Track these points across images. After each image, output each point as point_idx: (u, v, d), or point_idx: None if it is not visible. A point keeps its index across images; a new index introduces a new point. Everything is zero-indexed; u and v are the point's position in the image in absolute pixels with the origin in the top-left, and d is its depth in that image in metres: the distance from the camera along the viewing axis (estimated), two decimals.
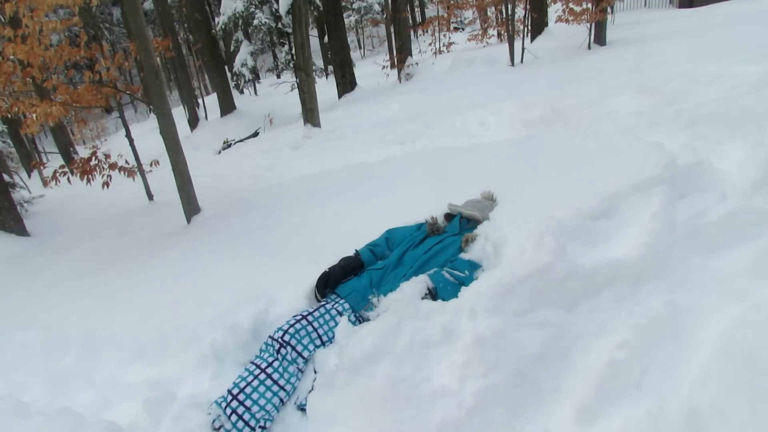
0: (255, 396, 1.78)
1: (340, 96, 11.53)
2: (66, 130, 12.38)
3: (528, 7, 11.18)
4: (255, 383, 1.81)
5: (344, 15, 14.41)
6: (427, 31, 18.79)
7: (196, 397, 1.86)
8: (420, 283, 1.97)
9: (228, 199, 4.83)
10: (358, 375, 1.61)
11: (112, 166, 4.82)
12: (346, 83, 11.58)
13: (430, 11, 22.88)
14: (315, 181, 4.44)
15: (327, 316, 2.05)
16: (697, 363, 1.58)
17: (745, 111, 3.01)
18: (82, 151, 10.13)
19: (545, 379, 1.61)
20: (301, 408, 1.84)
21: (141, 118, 20.09)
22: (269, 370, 1.84)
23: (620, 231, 2.04)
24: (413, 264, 2.17)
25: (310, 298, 2.27)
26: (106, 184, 4.76)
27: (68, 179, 5.00)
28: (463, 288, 1.86)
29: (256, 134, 9.97)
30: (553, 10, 10.73)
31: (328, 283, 2.22)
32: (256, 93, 16.49)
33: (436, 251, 2.21)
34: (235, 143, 9.66)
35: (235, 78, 12.27)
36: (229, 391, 1.80)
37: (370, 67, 14.58)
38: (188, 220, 4.48)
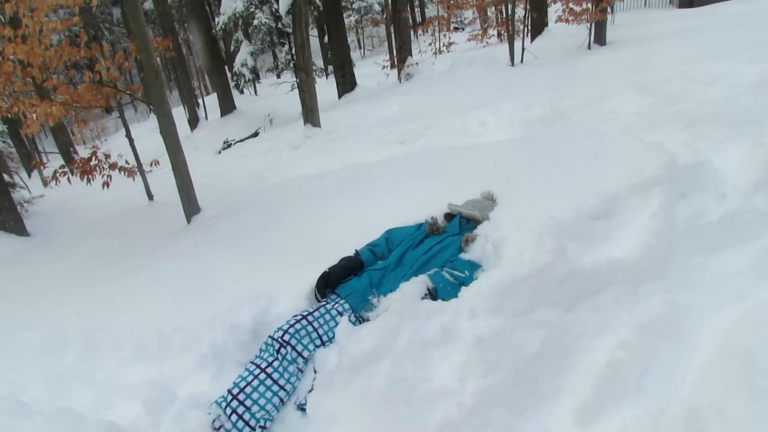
0: (255, 396, 1.78)
1: (340, 96, 11.53)
2: (66, 130, 12.39)
3: (528, 7, 11.17)
4: (255, 383, 1.81)
5: (344, 15, 14.41)
6: (427, 31, 18.79)
7: (196, 397, 1.86)
8: (420, 283, 1.97)
9: (228, 199, 4.82)
10: (358, 375, 1.61)
11: (112, 166, 4.82)
12: (346, 83, 11.58)
13: (430, 11, 22.87)
14: (315, 181, 4.44)
15: (327, 316, 2.05)
16: (697, 363, 1.58)
17: (745, 111, 3.02)
18: (82, 151, 10.14)
19: (545, 379, 1.61)
20: (301, 408, 1.84)
21: (141, 118, 20.10)
22: (269, 370, 1.84)
23: (620, 231, 2.04)
24: (413, 264, 2.17)
25: (310, 298, 2.27)
26: (106, 184, 4.76)
27: (68, 179, 5.00)
28: (463, 288, 1.86)
29: (256, 134, 9.97)
30: (553, 10, 10.73)
31: (328, 283, 2.22)
32: (256, 93, 16.50)
33: (436, 251, 2.21)
34: (235, 143, 9.66)
35: (235, 78, 12.27)
36: (229, 391, 1.80)
37: (370, 67, 14.58)
38: (188, 220, 4.48)
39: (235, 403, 1.76)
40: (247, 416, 1.75)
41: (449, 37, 15.70)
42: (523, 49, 9.83)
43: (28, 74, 4.07)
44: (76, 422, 1.63)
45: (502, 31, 14.21)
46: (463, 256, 2.15)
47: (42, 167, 9.30)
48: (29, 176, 11.18)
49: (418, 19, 22.89)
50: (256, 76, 14.40)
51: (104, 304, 2.94)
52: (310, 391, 1.83)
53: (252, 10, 10.18)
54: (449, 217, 2.57)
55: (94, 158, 4.73)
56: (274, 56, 14.37)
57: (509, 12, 10.32)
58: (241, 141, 9.66)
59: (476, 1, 15.56)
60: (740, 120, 2.91)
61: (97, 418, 1.71)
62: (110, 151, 5.93)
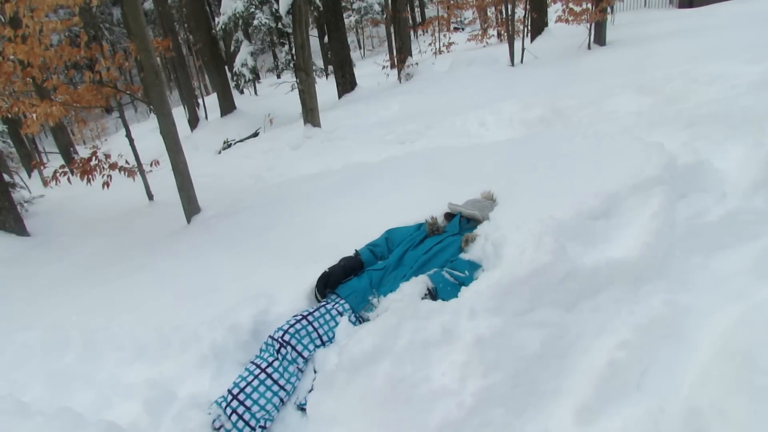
0: (255, 396, 1.78)
1: (340, 96, 11.53)
2: (66, 130, 12.39)
3: (528, 7, 11.17)
4: (255, 383, 1.81)
5: (344, 15, 14.41)
6: (427, 31, 18.80)
7: (196, 397, 1.86)
8: (420, 283, 1.97)
9: (228, 199, 4.82)
10: (358, 375, 1.61)
11: (113, 166, 4.82)
12: (346, 83, 11.58)
13: (430, 11, 22.88)
14: (315, 181, 4.44)
15: (327, 316, 2.05)
16: (697, 363, 1.58)
17: (745, 111, 3.01)
18: (83, 151, 10.14)
19: (545, 379, 1.61)
20: (301, 408, 1.84)
21: (141, 118, 20.10)
22: (269, 370, 1.84)
23: (620, 231, 2.04)
24: (413, 264, 2.17)
25: (310, 298, 2.27)
26: (106, 184, 4.76)
27: (68, 179, 5.00)
28: (463, 288, 1.86)
29: (256, 134, 9.97)
30: (553, 10, 10.74)
31: (329, 284, 2.22)
32: (256, 93, 16.50)
33: (436, 251, 2.21)
34: (235, 143, 9.66)
35: (235, 78, 12.28)
36: (230, 391, 1.80)
37: (370, 67, 14.58)
38: (188, 220, 4.48)
39: (235, 403, 1.76)
40: (247, 416, 1.75)
41: (449, 37, 15.70)
42: (523, 49, 9.83)
43: (28, 74, 4.07)
44: (76, 422, 1.63)
45: (502, 31, 14.21)
46: (463, 256, 2.14)
47: (42, 167, 9.30)
48: (29, 176, 11.18)
49: (418, 19, 22.90)
50: (256, 76, 14.41)
51: (104, 304, 2.94)
52: (310, 391, 1.83)
53: (252, 10, 10.19)
54: (449, 216, 2.57)
55: (94, 158, 4.73)
56: (274, 56, 14.37)
57: (509, 12, 10.32)
58: (241, 141, 9.66)
59: (476, 1, 15.55)
60: (740, 120, 2.91)
61: (97, 418, 1.72)
62: (110, 151, 5.93)
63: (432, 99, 8.16)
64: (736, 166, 2.43)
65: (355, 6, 21.22)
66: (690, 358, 1.62)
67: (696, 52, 6.07)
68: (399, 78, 11.68)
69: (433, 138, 5.50)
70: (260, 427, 1.76)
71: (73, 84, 10.12)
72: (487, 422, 1.49)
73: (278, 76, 15.98)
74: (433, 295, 1.95)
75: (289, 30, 9.91)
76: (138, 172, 5.57)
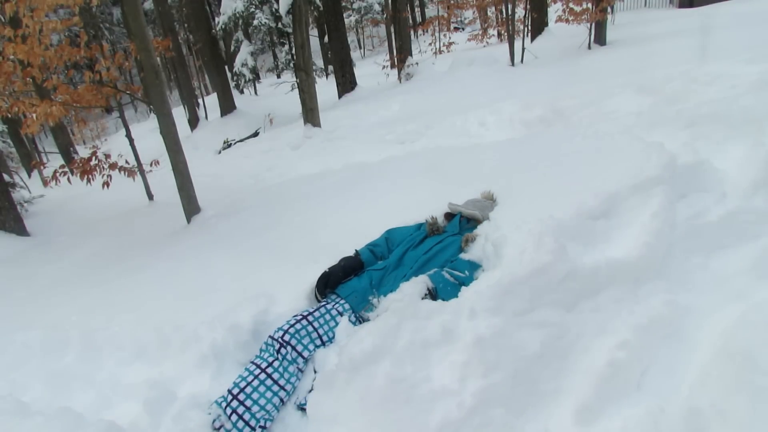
0: (255, 396, 1.78)
1: (340, 96, 11.53)
2: (66, 130, 12.40)
3: (528, 7, 11.18)
4: (255, 383, 1.81)
5: (344, 15, 14.40)
6: (427, 31, 18.80)
7: (196, 396, 1.86)
8: (420, 283, 1.97)
9: (228, 199, 4.82)
10: (358, 375, 1.61)
11: (112, 166, 4.82)
12: (346, 83, 11.58)
13: (430, 11, 22.88)
14: (315, 181, 4.44)
15: (327, 316, 2.05)
16: (697, 363, 1.58)
17: (745, 111, 3.01)
18: (82, 151, 10.14)
19: (545, 379, 1.61)
20: (301, 408, 1.84)
21: (141, 118, 20.10)
22: (269, 370, 1.84)
23: (620, 231, 2.04)
24: (413, 264, 2.17)
25: (310, 298, 2.27)
26: (106, 184, 4.76)
27: (68, 179, 5.00)
28: (463, 288, 1.86)
29: (256, 134, 9.97)
30: (553, 10, 10.73)
31: (329, 283, 2.22)
32: (256, 93, 16.50)
33: (436, 251, 2.21)
34: (235, 143, 9.66)
35: (235, 78, 12.28)
36: (230, 391, 1.80)
37: (370, 67, 14.58)
38: (188, 220, 4.48)
39: (235, 403, 1.76)
40: (247, 416, 1.75)
41: (449, 37, 15.71)
42: (523, 49, 9.83)
43: (28, 74, 4.06)
44: (76, 422, 1.63)
45: (502, 31, 14.22)
46: (463, 256, 2.15)
47: (42, 167, 9.30)
48: (29, 176, 11.18)
49: (418, 19, 22.90)
50: (256, 76, 14.41)
51: (104, 304, 2.94)
52: (310, 391, 1.83)
53: (252, 10, 10.19)
54: (449, 216, 2.57)
55: (94, 158, 4.73)
56: (274, 56, 14.38)
57: (509, 12, 10.32)
58: (241, 141, 9.66)
59: (476, 1, 15.56)
60: (740, 120, 2.91)
61: (97, 418, 1.72)
62: (110, 151, 5.93)
63: (432, 99, 8.16)
64: (736, 166, 2.43)
65: (355, 6, 21.23)
66: (690, 358, 1.62)
67: (696, 52, 6.07)
68: (399, 78, 11.68)
69: (433, 138, 5.49)
70: (260, 427, 1.76)
71: (73, 84, 10.13)
72: (487, 422, 1.49)
73: (278, 76, 15.99)
74: (433, 295, 1.95)
75: (289, 30, 9.91)
76: (138, 172, 5.57)
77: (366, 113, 8.28)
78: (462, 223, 2.42)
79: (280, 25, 10.47)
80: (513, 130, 4.95)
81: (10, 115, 4.20)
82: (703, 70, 4.41)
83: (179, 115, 8.97)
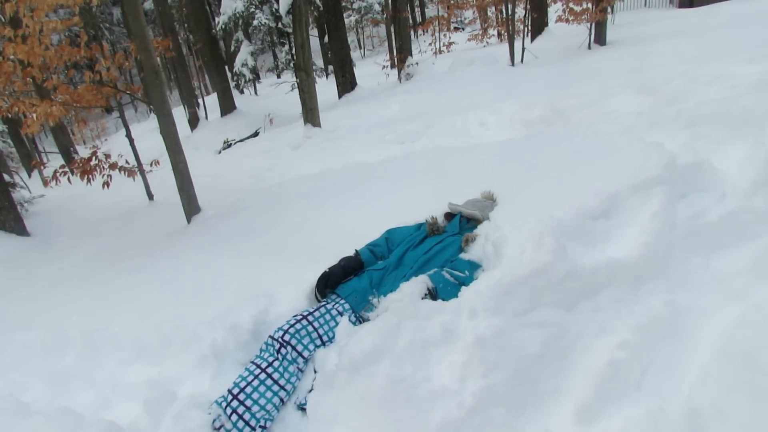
0: (255, 396, 1.78)
1: (340, 96, 11.53)
2: (66, 130, 12.40)
3: (528, 7, 11.18)
4: (255, 383, 1.81)
5: (344, 15, 14.41)
6: (427, 31, 18.79)
7: (196, 396, 1.86)
8: (420, 283, 1.97)
9: (228, 199, 4.82)
10: (358, 375, 1.61)
11: (113, 166, 4.82)
12: (346, 83, 11.58)
13: (430, 11, 22.87)
14: (315, 181, 4.44)
15: (327, 316, 2.05)
16: (697, 363, 1.58)
17: (745, 111, 3.01)
18: (83, 151, 10.13)
19: (545, 379, 1.61)
20: (301, 408, 1.84)
21: (141, 118, 20.10)
22: (269, 370, 1.84)
23: (620, 231, 2.04)
24: (413, 264, 2.17)
25: (310, 298, 2.27)
26: (106, 184, 4.76)
27: (68, 179, 5.00)
28: (463, 288, 1.86)
29: (256, 134, 9.97)
30: (554, 10, 10.73)
31: (329, 283, 2.22)
32: (256, 93, 16.50)
33: (436, 251, 2.21)
34: (235, 143, 9.67)
35: (235, 78, 12.28)
36: (230, 391, 1.80)
37: (370, 67, 14.58)
38: (188, 220, 4.48)
39: (235, 403, 1.76)
40: (247, 416, 1.75)
41: (449, 37, 15.70)
42: (523, 49, 9.83)
43: (28, 74, 4.07)
44: (76, 422, 1.63)
45: (502, 31, 14.21)
46: (463, 256, 2.15)
47: (42, 167, 9.31)
48: (29, 176, 11.18)
49: (418, 19, 22.89)
50: (256, 76, 14.42)
51: (104, 304, 2.94)
52: (310, 391, 1.83)
53: (252, 10, 10.19)
54: (449, 216, 2.57)
55: (94, 158, 4.73)
56: (274, 56, 14.38)
57: (509, 12, 10.32)
58: (241, 141, 9.66)
59: (476, 1, 15.56)
60: (740, 120, 2.91)
61: (97, 418, 1.72)
62: (110, 151, 5.93)
63: (432, 99, 8.16)
64: (736, 166, 2.43)
65: (355, 6, 21.22)
66: (690, 358, 1.62)
67: (696, 52, 6.07)
68: (399, 78, 11.68)
69: (433, 138, 5.50)
70: (260, 427, 1.76)
71: (73, 84, 10.13)
72: (487, 422, 1.49)
73: (278, 76, 15.99)
74: (433, 295, 1.95)
75: (289, 30, 9.91)
76: (138, 172, 5.57)
77: (366, 113, 8.28)
78: (462, 223, 2.42)
79: (280, 25, 10.47)
80: (513, 130, 4.95)
81: (10, 115, 4.20)
82: (703, 70, 4.41)
83: (179, 115, 8.97)
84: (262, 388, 1.80)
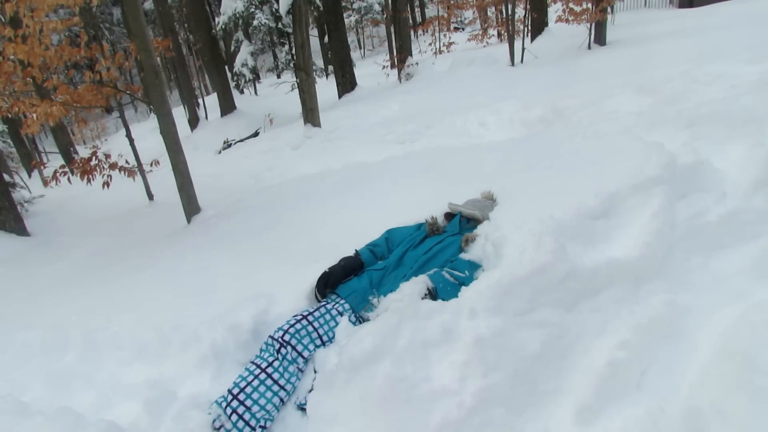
0: (255, 396, 1.78)
1: (340, 96, 11.53)
2: (66, 130, 12.40)
3: (528, 7, 11.18)
4: (255, 383, 1.81)
5: (344, 15, 14.41)
6: (427, 31, 18.79)
7: (196, 396, 1.86)
8: (420, 283, 1.97)
9: (228, 199, 4.82)
10: (358, 375, 1.61)
11: (113, 166, 4.82)
12: (346, 83, 11.58)
13: (430, 11, 22.88)
14: (315, 181, 4.44)
15: (327, 316, 2.05)
16: (697, 363, 1.58)
17: (745, 111, 3.01)
18: (83, 151, 10.14)
19: (545, 379, 1.61)
20: (301, 408, 1.84)
21: (141, 118, 20.11)
22: (269, 370, 1.84)
23: (620, 231, 2.04)
24: (413, 264, 2.17)
25: (310, 298, 2.27)
26: (106, 184, 4.76)
27: (68, 179, 5.00)
28: (463, 288, 1.86)
29: (256, 134, 9.98)
30: (553, 10, 10.73)
31: (329, 283, 2.22)
32: (256, 93, 16.50)
33: (436, 251, 2.21)
34: (235, 143, 9.67)
35: (235, 78, 12.28)
36: (230, 391, 1.80)
37: (370, 67, 14.58)
38: (188, 220, 4.48)
39: (235, 403, 1.76)
40: (247, 416, 1.75)
41: (449, 37, 15.71)
42: (523, 49, 9.83)
43: (28, 74, 4.07)
44: (76, 422, 1.63)
45: (502, 31, 14.21)
46: (463, 256, 2.14)
47: (42, 167, 9.31)
48: (29, 176, 11.19)
49: (418, 19, 22.90)
50: (256, 76, 14.42)
51: (104, 304, 2.94)
52: (310, 391, 1.83)
53: (252, 10, 10.19)
54: (449, 216, 2.57)
55: (94, 158, 4.73)
56: (274, 56, 14.38)
57: (509, 12, 10.32)
58: (241, 141, 9.66)
59: (476, 1, 15.55)
60: (740, 120, 2.91)
61: (97, 418, 1.72)
62: (110, 151, 5.93)
63: (432, 99, 8.16)
64: (736, 166, 2.43)
65: (355, 6, 21.22)
66: (690, 358, 1.62)
67: (696, 52, 6.07)
68: (399, 78, 11.68)
69: (433, 138, 5.50)
70: (260, 427, 1.76)
71: (73, 84, 10.13)
72: (487, 422, 1.49)
73: (278, 76, 15.98)
74: (433, 295, 1.95)
75: (289, 30, 9.92)
76: (138, 172, 5.57)
77: (366, 113, 8.28)
78: (462, 223, 2.42)
79: (280, 25, 10.47)
80: (513, 130, 4.95)
81: (10, 115, 4.20)
82: (703, 70, 4.41)
83: (179, 115, 8.98)
84: (262, 388, 1.80)
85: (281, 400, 1.83)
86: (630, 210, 2.13)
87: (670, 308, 1.78)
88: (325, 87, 11.88)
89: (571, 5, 9.20)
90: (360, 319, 2.08)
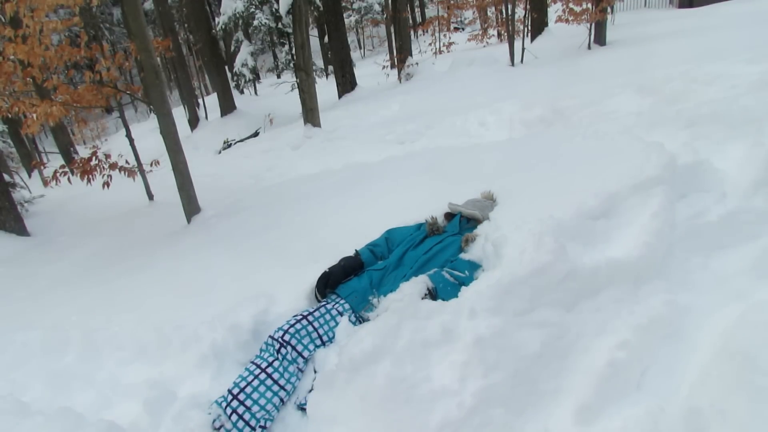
0: (255, 396, 1.78)
1: (340, 96, 11.53)
2: (66, 130, 12.40)
3: (528, 7, 11.18)
4: (255, 383, 1.81)
5: (344, 15, 14.41)
6: (427, 31, 18.80)
7: (196, 396, 1.86)
8: (420, 283, 1.97)
9: (228, 199, 4.82)
10: (358, 375, 1.61)
11: (113, 166, 4.82)
12: (346, 83, 11.58)
13: (430, 11, 22.88)
14: (315, 181, 4.44)
15: (327, 316, 2.05)
16: (697, 363, 1.58)
17: (745, 111, 3.01)
18: (83, 151, 10.13)
19: (545, 379, 1.61)
20: (301, 408, 1.84)
21: (141, 118, 20.10)
22: (269, 370, 1.84)
23: (620, 231, 2.04)
24: (413, 264, 2.17)
25: (310, 298, 2.27)
26: (106, 184, 4.76)
27: (68, 179, 5.00)
28: (463, 288, 1.86)
29: (256, 134, 9.98)
30: (553, 10, 10.73)
31: (329, 283, 2.22)
32: (256, 93, 16.50)
33: (436, 251, 2.21)
34: (235, 143, 9.67)
35: (235, 78, 12.28)
36: (230, 391, 1.81)
37: (370, 67, 14.58)
38: (188, 220, 4.48)
39: (235, 403, 1.76)
40: (247, 416, 1.75)
41: (449, 37, 15.71)
42: (523, 49, 9.83)
43: (28, 74, 4.07)
44: (76, 422, 1.63)
45: (502, 31, 14.21)
46: (463, 256, 2.15)
47: (42, 167, 9.31)
48: (29, 176, 11.18)
49: (418, 19, 22.90)
50: (256, 76, 14.42)
51: (104, 304, 2.94)
52: (310, 391, 1.83)
53: (252, 10, 10.20)
54: (449, 216, 2.57)
55: (94, 158, 4.73)
56: (274, 56, 14.38)
57: (509, 12, 10.32)
58: (241, 141, 9.66)
59: (476, 1, 15.55)
60: (740, 120, 2.91)
61: (97, 418, 1.72)
62: (110, 151, 5.92)
63: (432, 99, 8.16)
64: (736, 166, 2.43)
65: (355, 6, 21.23)
66: (690, 358, 1.62)
67: (696, 52, 6.07)
68: (399, 78, 11.68)
69: (433, 138, 5.50)
70: (260, 427, 1.76)
71: (73, 84, 10.13)
72: (487, 422, 1.49)
73: (278, 76, 15.98)
74: (433, 295, 1.95)
75: (289, 30, 9.92)
76: (138, 172, 5.57)
77: (366, 113, 8.28)
78: (462, 223, 2.42)
79: (280, 25, 10.47)
80: (513, 130, 4.95)
81: (10, 115, 4.20)
82: (703, 70, 4.41)
83: (179, 115, 8.98)
84: (262, 388, 1.80)
85: (281, 400, 1.83)
86: (630, 210, 2.13)
87: (670, 308, 1.78)
88: (325, 87, 11.88)
89: (571, 5, 9.20)
90: (360, 319, 2.08)
